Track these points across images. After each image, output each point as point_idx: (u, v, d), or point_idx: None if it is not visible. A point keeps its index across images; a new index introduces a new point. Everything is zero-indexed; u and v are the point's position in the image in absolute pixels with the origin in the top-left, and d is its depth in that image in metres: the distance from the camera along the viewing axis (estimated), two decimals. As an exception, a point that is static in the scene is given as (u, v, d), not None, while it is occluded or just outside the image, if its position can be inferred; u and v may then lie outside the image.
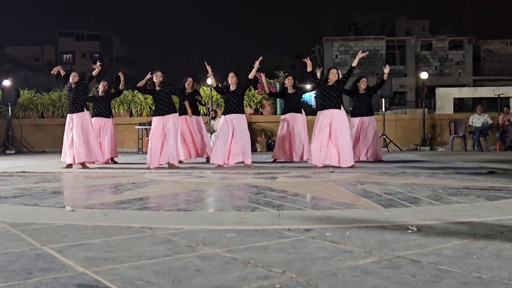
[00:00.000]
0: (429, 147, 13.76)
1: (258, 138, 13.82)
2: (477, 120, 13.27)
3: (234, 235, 2.80)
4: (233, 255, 2.33)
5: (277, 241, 2.63)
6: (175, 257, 2.31)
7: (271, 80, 14.91)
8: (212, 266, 2.14)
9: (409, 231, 2.84)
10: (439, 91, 17.18)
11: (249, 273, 2.03)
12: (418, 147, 13.82)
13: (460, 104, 28.64)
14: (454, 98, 18.20)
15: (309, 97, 38.30)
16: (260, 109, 14.76)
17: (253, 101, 14.87)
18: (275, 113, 14.67)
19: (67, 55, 65.81)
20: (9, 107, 14.27)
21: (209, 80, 13.73)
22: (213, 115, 13.89)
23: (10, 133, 14.10)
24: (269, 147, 14.17)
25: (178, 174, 6.80)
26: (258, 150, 13.73)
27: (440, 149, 13.76)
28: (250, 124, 13.71)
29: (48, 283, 1.94)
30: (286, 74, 15.61)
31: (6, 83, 14.12)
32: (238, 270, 2.08)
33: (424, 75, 15.36)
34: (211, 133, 13.71)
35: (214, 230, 2.95)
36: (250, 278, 1.98)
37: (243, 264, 2.18)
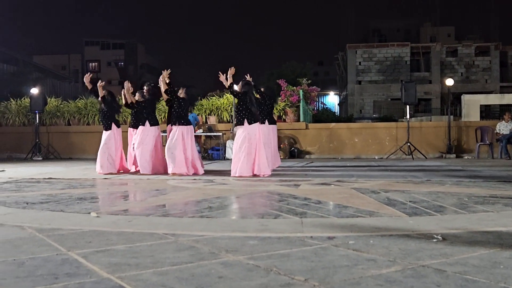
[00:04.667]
0: (454, 155, 13.56)
1: (281, 145, 13.80)
2: (504, 127, 13.03)
3: (257, 242, 2.80)
4: (255, 262, 2.34)
5: (299, 248, 2.62)
6: (198, 263, 2.32)
7: (294, 88, 14.90)
8: (235, 273, 2.15)
9: (434, 240, 2.80)
10: (465, 97, 16.89)
11: (271, 281, 2.03)
12: (444, 155, 13.62)
13: (487, 111, 28.14)
14: (480, 105, 17.87)
15: (333, 104, 38.20)
16: (283, 116, 14.75)
17: (277, 109, 14.88)
18: (298, 120, 14.64)
19: (93, 64, 66.91)
20: (37, 115, 14.54)
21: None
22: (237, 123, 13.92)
23: (37, 140, 14.36)
24: (292, 154, 14.16)
25: (201, 181, 6.84)
26: (281, 157, 13.71)
27: (466, 157, 13.54)
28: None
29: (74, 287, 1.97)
30: (309, 81, 15.61)
31: (34, 91, 14.41)
32: (260, 278, 2.08)
33: (449, 82, 15.17)
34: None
35: (236, 237, 2.95)
36: (272, 285, 1.97)
37: (265, 271, 2.18)
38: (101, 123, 8.77)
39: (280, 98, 14.37)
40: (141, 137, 8.33)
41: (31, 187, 6.20)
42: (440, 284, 1.96)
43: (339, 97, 44.53)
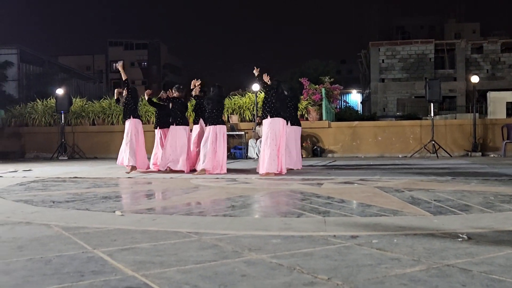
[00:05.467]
0: (480, 153, 13.35)
1: (304, 144, 13.77)
2: (531, 124, 12.78)
3: (280, 241, 2.80)
4: (278, 261, 2.34)
5: (323, 247, 2.62)
6: (221, 262, 2.34)
7: (317, 86, 14.85)
8: (258, 272, 2.15)
9: (459, 239, 2.77)
10: (491, 95, 16.62)
11: (294, 279, 2.03)
12: (469, 153, 13.42)
13: (514, 109, 27.62)
14: (507, 102, 17.56)
15: (355, 102, 37.93)
16: (306, 115, 14.71)
17: (299, 108, 14.85)
18: (320, 119, 14.59)
19: (117, 64, 67.72)
20: (62, 115, 14.78)
21: (255, 87, 13.85)
22: (259, 121, 13.95)
23: (63, 140, 14.59)
24: (315, 153, 14.11)
25: (224, 180, 6.86)
26: (304, 156, 13.68)
27: (492, 155, 13.31)
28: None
29: (99, 285, 2.00)
30: (331, 78, 15.52)
31: (60, 91, 14.64)
32: (283, 276, 2.08)
33: (474, 79, 14.93)
34: (256, 139, 13.77)
35: (259, 235, 2.96)
36: (295, 284, 1.97)
37: (288, 270, 2.18)
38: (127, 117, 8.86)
39: (302, 96, 14.34)
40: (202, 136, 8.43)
41: (57, 186, 6.31)
42: (466, 284, 1.93)
43: (362, 95, 44.22)
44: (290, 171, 8.13)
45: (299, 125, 9.35)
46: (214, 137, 7.91)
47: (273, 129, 7.58)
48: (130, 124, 8.63)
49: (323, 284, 1.97)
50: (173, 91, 8.68)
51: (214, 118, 8.02)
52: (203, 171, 7.85)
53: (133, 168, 8.51)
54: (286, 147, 7.98)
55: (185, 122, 8.60)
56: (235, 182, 6.64)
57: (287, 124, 8.32)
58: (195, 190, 5.73)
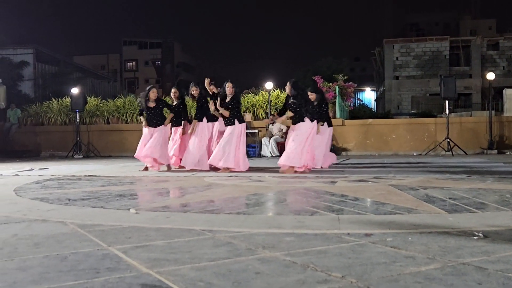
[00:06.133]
0: (496, 151, 13.20)
1: (317, 142, 13.71)
2: (549, 122, 12.61)
3: (293, 239, 2.80)
4: (292, 258, 2.34)
5: (336, 245, 2.61)
6: (235, 259, 2.34)
7: (330, 84, 14.79)
8: (272, 269, 2.16)
9: (474, 238, 2.74)
10: (507, 92, 16.38)
11: (308, 277, 2.03)
12: (485, 151, 13.28)
13: (530, 106, 27.24)
14: (523, 99, 17.34)
15: (369, 100, 37.72)
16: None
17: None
18: (334, 116, 14.52)
19: (131, 63, 68.15)
20: (77, 114, 14.91)
21: (269, 85, 13.84)
22: (272, 120, 13.91)
23: (78, 139, 14.72)
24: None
25: (238, 178, 6.87)
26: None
27: (508, 153, 13.16)
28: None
29: (114, 282, 2.01)
30: (345, 76, 15.44)
31: (75, 91, 14.76)
32: (297, 274, 2.08)
33: (490, 76, 14.76)
34: (270, 137, 13.77)
35: (273, 233, 2.96)
36: (309, 282, 1.97)
37: (302, 267, 2.18)
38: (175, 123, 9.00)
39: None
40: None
41: (72, 184, 6.37)
42: (481, 282, 1.92)
43: (376, 93, 43.94)
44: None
45: (327, 125, 9.12)
46: (240, 134, 8.08)
47: (296, 129, 7.77)
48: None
49: (337, 282, 1.97)
50: (209, 87, 8.53)
51: (240, 117, 8.16)
52: (227, 169, 7.90)
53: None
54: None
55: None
56: (249, 180, 6.65)
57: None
58: (209, 188, 5.75)
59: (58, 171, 8.64)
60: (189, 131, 8.63)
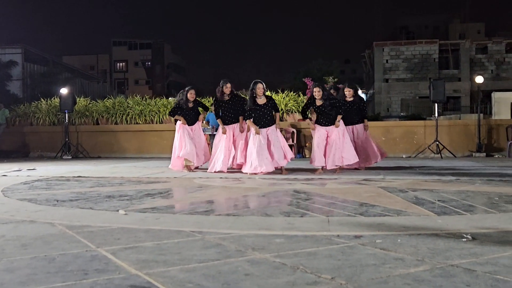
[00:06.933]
0: (485, 154, 13.30)
1: (307, 144, 13.76)
2: (536, 125, 12.73)
3: (283, 240, 2.80)
4: (282, 260, 2.34)
5: (326, 247, 2.62)
6: (225, 261, 2.33)
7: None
8: (261, 271, 2.15)
9: (463, 240, 2.76)
10: (496, 95, 16.58)
11: (298, 279, 2.03)
12: (473, 154, 13.38)
13: (518, 109, 27.51)
14: (511, 103, 17.51)
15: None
16: (309, 115, 14.69)
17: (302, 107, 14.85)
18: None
19: (121, 64, 67.93)
20: (66, 114, 14.81)
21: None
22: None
23: (67, 139, 14.62)
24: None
25: (228, 180, 6.86)
26: (307, 156, 13.67)
27: (496, 156, 13.27)
28: (298, 130, 13.73)
29: (103, 283, 2.00)
30: (335, 79, 15.50)
31: (64, 91, 14.66)
32: (287, 275, 2.08)
33: (479, 79, 14.88)
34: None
35: (263, 235, 2.96)
36: (299, 283, 1.97)
37: (292, 269, 2.18)
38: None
39: (306, 96, 14.34)
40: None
41: (61, 185, 6.32)
42: (470, 284, 1.93)
43: (366, 96, 44.12)
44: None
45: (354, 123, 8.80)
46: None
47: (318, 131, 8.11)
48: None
49: (327, 283, 1.97)
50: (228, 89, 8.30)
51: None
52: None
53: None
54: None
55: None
56: (239, 181, 6.64)
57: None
58: (199, 189, 5.73)
59: (46, 172, 8.57)
60: (246, 131, 8.18)
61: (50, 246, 2.71)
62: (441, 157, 12.59)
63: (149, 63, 68.18)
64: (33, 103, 16.82)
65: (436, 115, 13.67)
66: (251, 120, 7.85)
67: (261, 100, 7.93)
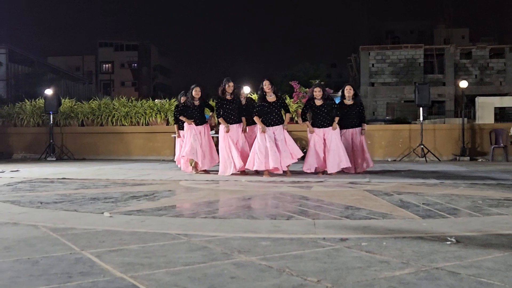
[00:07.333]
0: (468, 157, 13.43)
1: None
2: (519, 129, 12.89)
3: (269, 243, 2.80)
4: (268, 263, 2.33)
5: (312, 250, 2.62)
6: (211, 264, 2.33)
7: (307, 89, 14.87)
8: (247, 274, 2.15)
9: (447, 243, 2.78)
10: (479, 100, 16.73)
11: (284, 281, 2.03)
12: (457, 157, 13.51)
13: (502, 114, 27.84)
14: (495, 108, 17.72)
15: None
16: (296, 118, 14.72)
17: (289, 111, 14.86)
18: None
19: (107, 65, 67.51)
20: (51, 116, 14.67)
21: (246, 89, 13.86)
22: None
23: (51, 141, 14.48)
24: (304, 156, 14.10)
25: (214, 182, 6.85)
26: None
27: (480, 160, 13.42)
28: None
29: (88, 287, 1.98)
30: (322, 82, 15.55)
31: (48, 92, 14.52)
32: (273, 278, 2.08)
33: (463, 84, 15.04)
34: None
35: (249, 238, 2.95)
36: (285, 286, 1.97)
37: (278, 272, 2.18)
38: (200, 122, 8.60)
39: (292, 99, 14.38)
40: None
41: (45, 187, 6.26)
42: (454, 287, 1.94)
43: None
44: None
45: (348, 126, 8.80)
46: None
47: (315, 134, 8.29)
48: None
49: (313, 286, 1.97)
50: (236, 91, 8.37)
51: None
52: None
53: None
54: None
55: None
56: (225, 184, 6.63)
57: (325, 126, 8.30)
58: (185, 192, 5.71)
59: (30, 174, 8.48)
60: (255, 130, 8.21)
61: (34, 249, 2.68)
62: (426, 160, 12.69)
63: (135, 64, 67.86)
64: (17, 104, 16.63)
65: (421, 119, 13.78)
66: (259, 117, 7.81)
67: (271, 98, 7.91)
